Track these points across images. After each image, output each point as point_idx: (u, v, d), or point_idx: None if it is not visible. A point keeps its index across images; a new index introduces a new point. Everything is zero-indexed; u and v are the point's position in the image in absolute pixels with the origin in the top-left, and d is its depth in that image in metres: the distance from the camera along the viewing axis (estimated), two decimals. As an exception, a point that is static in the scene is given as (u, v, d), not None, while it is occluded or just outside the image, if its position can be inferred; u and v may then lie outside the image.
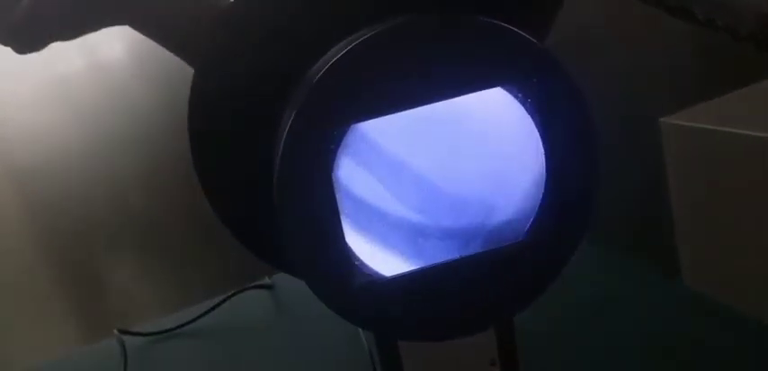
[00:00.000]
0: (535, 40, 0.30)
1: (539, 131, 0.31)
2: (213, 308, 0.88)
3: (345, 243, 0.31)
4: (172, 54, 0.54)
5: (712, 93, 1.34)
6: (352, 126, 0.30)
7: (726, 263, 1.23)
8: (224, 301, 0.89)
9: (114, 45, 1.36)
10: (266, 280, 0.92)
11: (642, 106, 1.47)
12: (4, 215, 1.40)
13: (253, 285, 0.92)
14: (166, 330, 0.85)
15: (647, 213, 1.52)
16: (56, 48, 0.54)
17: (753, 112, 1.21)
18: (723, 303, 0.63)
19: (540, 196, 0.32)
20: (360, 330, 0.68)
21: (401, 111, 0.30)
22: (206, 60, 0.39)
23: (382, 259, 0.33)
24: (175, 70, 0.50)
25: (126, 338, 0.85)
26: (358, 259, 0.32)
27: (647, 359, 0.59)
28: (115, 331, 0.86)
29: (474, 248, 0.33)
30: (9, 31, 0.47)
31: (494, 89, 0.31)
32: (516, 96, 0.32)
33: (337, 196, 0.31)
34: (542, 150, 0.32)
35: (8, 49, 0.49)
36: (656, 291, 0.70)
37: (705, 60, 1.51)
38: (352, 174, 0.31)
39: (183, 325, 0.86)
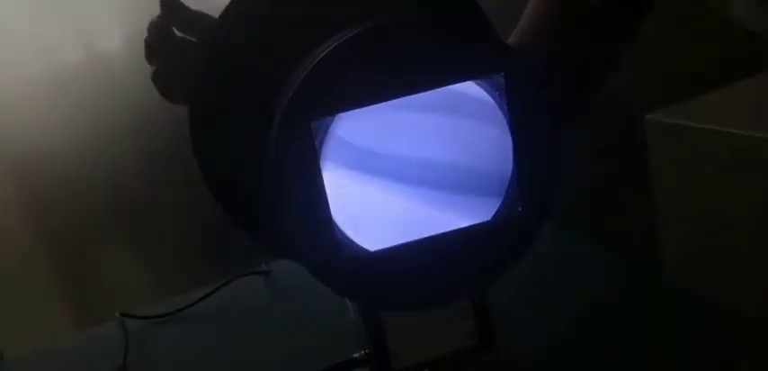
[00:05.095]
0: (501, 40, 0.34)
1: (506, 122, 0.35)
2: (212, 292, 0.91)
3: (333, 221, 0.35)
4: None
5: (700, 90, 1.37)
6: (338, 116, 0.34)
7: (708, 257, 1.26)
8: (222, 286, 0.92)
9: (113, 38, 1.38)
10: (263, 267, 0.95)
11: (631, 103, 1.50)
12: (3, 205, 1.43)
13: (250, 271, 0.95)
14: (167, 314, 0.89)
15: (635, 208, 1.55)
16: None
17: (736, 109, 1.24)
18: (705, 296, 0.65)
19: (507, 181, 0.36)
20: (350, 309, 0.72)
21: (382, 102, 0.33)
22: (207, 54, 0.42)
23: (366, 237, 0.37)
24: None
25: (127, 321, 0.88)
26: (344, 236, 0.36)
27: (626, 345, 0.62)
28: (117, 314, 0.90)
29: (447, 227, 0.36)
30: None
31: (468, 83, 0.35)
32: (487, 90, 0.35)
33: (325, 179, 0.34)
34: (510, 139, 0.35)
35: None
36: (639, 283, 0.73)
37: (693, 58, 1.54)
38: (339, 159, 0.35)
39: (182, 309, 0.89)
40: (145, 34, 0.52)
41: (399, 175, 0.36)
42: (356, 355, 0.62)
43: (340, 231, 0.36)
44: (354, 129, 0.34)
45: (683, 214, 1.32)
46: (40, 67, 1.34)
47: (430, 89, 0.33)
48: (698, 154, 1.24)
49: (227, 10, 0.42)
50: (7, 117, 1.37)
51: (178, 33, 0.50)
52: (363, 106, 0.33)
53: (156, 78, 0.48)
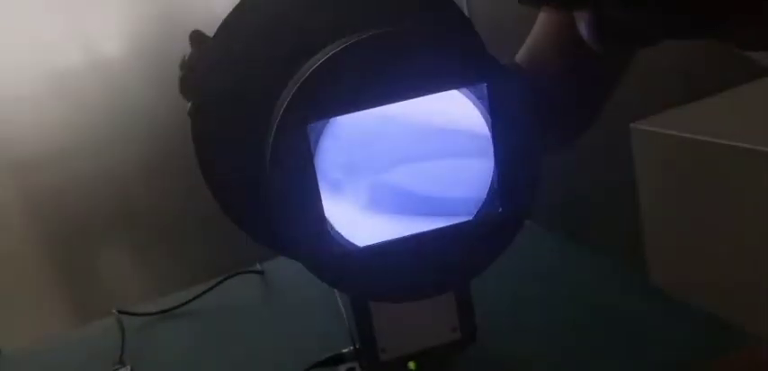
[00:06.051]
0: (486, 50, 0.36)
1: (488, 128, 0.38)
2: (208, 291, 0.93)
3: (325, 218, 0.37)
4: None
5: (691, 97, 1.40)
6: (332, 120, 0.36)
7: (690, 263, 1.28)
8: (218, 284, 0.94)
9: (113, 40, 1.39)
10: (257, 266, 0.98)
11: (623, 110, 1.52)
12: (6, 208, 1.44)
13: (244, 270, 0.97)
14: (163, 311, 0.91)
15: (623, 214, 1.58)
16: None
17: (721, 119, 1.27)
18: (686, 299, 0.68)
19: (489, 182, 0.39)
20: (341, 310, 0.74)
21: (372, 107, 0.36)
22: (210, 65, 0.45)
23: (357, 233, 0.39)
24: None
25: (124, 317, 0.90)
26: (336, 232, 0.38)
27: (610, 344, 0.65)
28: (114, 311, 0.92)
29: (432, 224, 0.39)
30: None
31: (454, 93, 0.37)
32: (470, 98, 0.38)
33: (318, 179, 0.37)
34: (492, 144, 0.38)
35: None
36: (624, 285, 0.75)
37: (686, 67, 1.57)
38: (332, 160, 0.37)
39: (178, 306, 0.91)
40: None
41: (388, 176, 0.38)
42: (345, 350, 0.65)
43: (332, 228, 0.38)
44: (347, 132, 0.37)
45: (665, 220, 1.34)
46: (41, 69, 1.36)
47: (418, 96, 0.36)
48: (680, 162, 1.27)
49: (226, 22, 0.45)
50: (7, 118, 1.39)
51: None
52: (355, 111, 0.35)
53: (192, 112, 0.48)
